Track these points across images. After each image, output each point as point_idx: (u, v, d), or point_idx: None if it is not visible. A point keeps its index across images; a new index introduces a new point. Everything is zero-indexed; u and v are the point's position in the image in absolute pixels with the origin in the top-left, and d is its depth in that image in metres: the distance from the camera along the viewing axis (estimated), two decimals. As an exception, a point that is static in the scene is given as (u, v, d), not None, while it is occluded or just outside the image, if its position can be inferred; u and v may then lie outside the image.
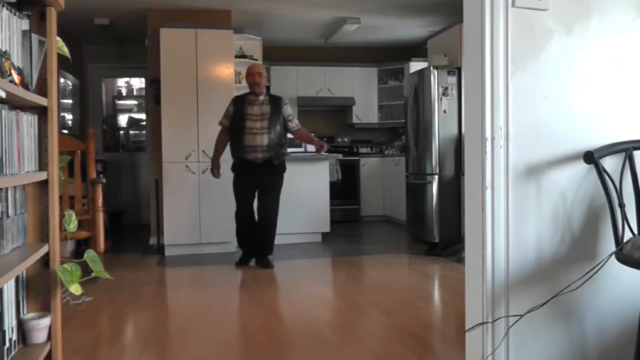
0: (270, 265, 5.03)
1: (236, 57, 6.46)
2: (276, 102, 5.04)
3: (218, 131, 5.15)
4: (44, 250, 2.11)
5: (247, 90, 5.11)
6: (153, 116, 6.36)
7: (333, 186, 6.64)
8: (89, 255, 2.27)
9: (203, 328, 3.36)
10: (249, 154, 4.88)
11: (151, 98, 6.38)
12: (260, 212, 5.07)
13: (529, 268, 2.14)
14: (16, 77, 1.90)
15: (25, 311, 2.18)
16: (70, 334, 3.11)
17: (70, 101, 7.55)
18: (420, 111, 6.02)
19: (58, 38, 2.19)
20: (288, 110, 5.08)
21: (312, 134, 5.48)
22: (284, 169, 5.08)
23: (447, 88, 5.83)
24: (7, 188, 1.96)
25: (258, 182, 4.97)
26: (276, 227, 5.11)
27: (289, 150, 5.50)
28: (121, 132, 8.92)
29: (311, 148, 5.75)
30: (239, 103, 5.02)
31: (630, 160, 2.16)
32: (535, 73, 2.13)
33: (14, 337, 2.05)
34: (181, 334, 3.29)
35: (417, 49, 8.33)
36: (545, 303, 2.10)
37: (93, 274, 2.26)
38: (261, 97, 5.00)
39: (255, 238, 5.10)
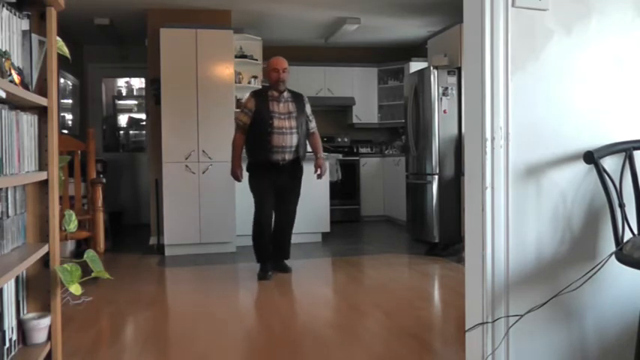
0: (289, 270, 4.83)
1: (236, 57, 6.46)
2: (299, 100, 4.74)
3: (234, 130, 4.79)
4: (44, 250, 2.11)
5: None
6: (153, 116, 6.37)
7: (333, 186, 6.64)
8: (89, 255, 2.27)
9: (203, 328, 3.36)
10: (276, 155, 4.54)
11: (151, 98, 6.38)
12: (281, 215, 4.76)
13: (529, 268, 2.14)
14: (16, 77, 1.90)
15: (25, 311, 2.18)
16: (70, 334, 3.12)
17: (70, 101, 7.55)
18: (420, 111, 6.01)
19: (58, 38, 2.19)
20: (310, 110, 4.82)
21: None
22: (302, 170, 4.81)
23: (447, 88, 5.83)
24: (7, 188, 1.96)
25: (280, 184, 4.64)
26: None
27: None
28: (121, 132, 8.92)
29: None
30: (261, 100, 4.61)
31: (630, 160, 2.16)
32: (535, 73, 2.13)
33: (14, 337, 2.05)
34: (181, 334, 3.29)
35: (417, 49, 8.33)
36: (545, 303, 2.10)
37: (93, 274, 2.26)
38: (285, 94, 4.67)
39: (274, 242, 4.79)
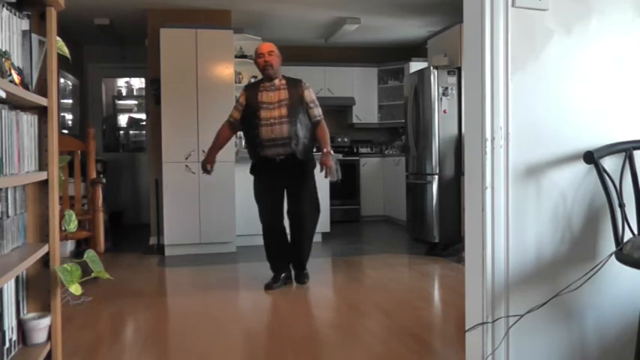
0: (304, 281, 4.42)
1: (236, 57, 6.46)
2: (295, 86, 4.24)
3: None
4: (44, 250, 2.11)
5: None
6: (153, 116, 6.37)
7: (333, 186, 6.63)
8: (89, 255, 2.27)
9: (203, 328, 3.36)
10: (268, 150, 4.13)
11: (151, 98, 6.38)
12: (291, 220, 4.35)
13: (529, 268, 2.14)
14: (16, 77, 1.90)
15: (25, 311, 2.18)
16: (70, 334, 3.11)
17: (70, 101, 7.55)
18: (420, 111, 6.01)
19: (58, 38, 2.19)
20: (310, 96, 4.25)
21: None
22: (313, 165, 4.34)
23: (447, 88, 5.83)
24: (7, 188, 1.96)
25: (283, 183, 4.24)
26: (313, 236, 4.48)
27: None
28: (121, 132, 8.92)
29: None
30: (252, 92, 4.26)
31: (630, 160, 2.16)
32: (535, 73, 2.13)
33: (14, 337, 2.05)
34: (181, 334, 3.29)
35: (417, 49, 8.33)
36: (545, 303, 2.10)
37: (93, 274, 2.26)
38: (277, 82, 4.23)
39: (289, 249, 4.41)
